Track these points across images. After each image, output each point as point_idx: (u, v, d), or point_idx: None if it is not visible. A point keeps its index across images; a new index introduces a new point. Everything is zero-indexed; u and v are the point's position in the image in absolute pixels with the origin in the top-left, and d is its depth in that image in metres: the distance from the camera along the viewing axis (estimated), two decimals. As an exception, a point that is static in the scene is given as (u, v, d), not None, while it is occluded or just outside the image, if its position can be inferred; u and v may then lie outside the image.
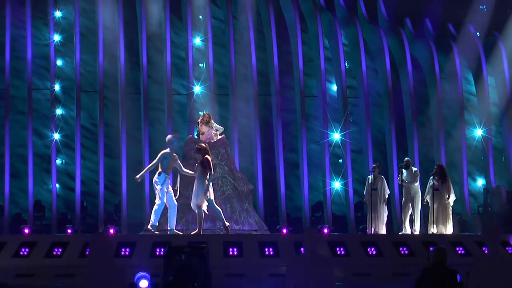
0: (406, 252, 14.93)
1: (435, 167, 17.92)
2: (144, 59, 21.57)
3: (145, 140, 21.14)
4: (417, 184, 18.04)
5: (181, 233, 15.41)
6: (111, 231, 16.33)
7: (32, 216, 20.44)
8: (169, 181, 15.54)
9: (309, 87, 22.83)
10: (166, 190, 15.28)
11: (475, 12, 23.54)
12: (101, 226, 20.25)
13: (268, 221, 19.60)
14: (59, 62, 22.09)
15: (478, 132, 22.96)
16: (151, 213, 15.56)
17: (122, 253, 14.04)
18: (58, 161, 21.63)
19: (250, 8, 22.25)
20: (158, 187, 15.23)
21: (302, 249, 12.67)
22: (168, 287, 10.20)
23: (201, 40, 22.49)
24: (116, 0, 21.80)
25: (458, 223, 20.56)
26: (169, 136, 15.90)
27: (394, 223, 20.96)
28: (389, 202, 19.43)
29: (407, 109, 22.74)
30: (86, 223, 20.96)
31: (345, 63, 22.66)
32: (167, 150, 15.39)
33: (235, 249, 14.38)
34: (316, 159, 22.40)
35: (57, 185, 21.15)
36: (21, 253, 14.31)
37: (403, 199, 18.22)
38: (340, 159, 22.71)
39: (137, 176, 15.58)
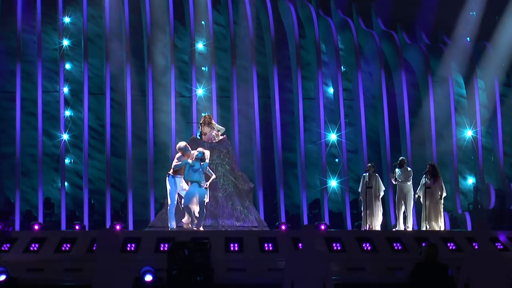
0: (399, 247, 15.14)
1: (428, 166, 17.99)
2: (149, 63, 21.71)
3: (150, 140, 21.24)
4: (409, 183, 18.07)
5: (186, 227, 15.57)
6: (118, 227, 16.48)
7: (42, 213, 20.52)
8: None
9: (307, 89, 22.89)
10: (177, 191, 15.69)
11: (466, 18, 23.61)
12: (107, 223, 20.42)
13: (267, 218, 19.66)
14: (67, 66, 22.24)
15: (468, 133, 23.11)
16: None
17: (128, 249, 14.28)
18: (67, 161, 21.74)
19: (250, 14, 22.25)
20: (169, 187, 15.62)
21: (300, 244, 12.81)
22: (172, 281, 10.34)
23: (203, 45, 22.61)
24: (122, 7, 21.84)
25: (449, 219, 20.72)
26: (185, 143, 16.17)
27: (388, 219, 20.97)
28: (384, 200, 19.50)
29: (400, 111, 22.78)
30: (93, 220, 21.00)
31: (341, 67, 22.68)
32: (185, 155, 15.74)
33: (236, 245, 14.56)
34: (313, 159, 22.56)
35: (66, 184, 21.21)
36: (32, 248, 14.55)
37: (396, 197, 18.35)
38: (336, 158, 22.79)
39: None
